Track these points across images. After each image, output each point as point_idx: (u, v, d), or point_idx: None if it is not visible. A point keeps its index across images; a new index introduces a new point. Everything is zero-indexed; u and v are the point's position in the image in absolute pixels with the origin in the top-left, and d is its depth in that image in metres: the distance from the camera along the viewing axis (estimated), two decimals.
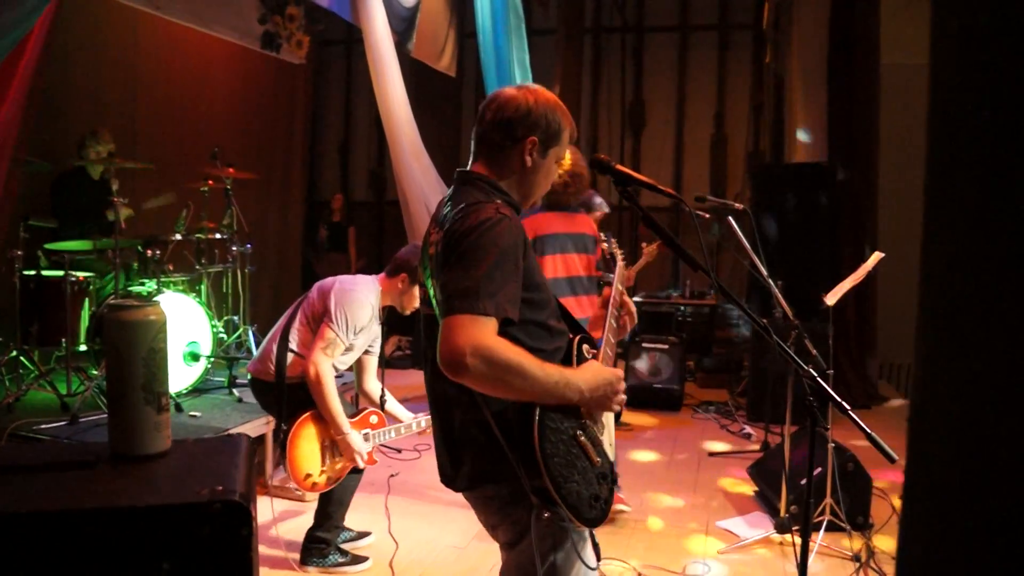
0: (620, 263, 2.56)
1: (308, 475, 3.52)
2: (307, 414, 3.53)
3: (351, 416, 3.64)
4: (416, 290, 3.72)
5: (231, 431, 4.28)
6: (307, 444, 3.54)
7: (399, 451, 5.41)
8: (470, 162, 2.02)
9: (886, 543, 4.02)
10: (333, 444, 3.58)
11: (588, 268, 4.09)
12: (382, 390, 3.90)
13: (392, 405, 3.91)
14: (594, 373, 1.89)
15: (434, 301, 1.93)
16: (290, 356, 3.61)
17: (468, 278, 1.72)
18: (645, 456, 5.64)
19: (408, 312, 3.82)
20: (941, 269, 0.76)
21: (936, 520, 0.82)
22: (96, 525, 1.01)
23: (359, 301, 3.60)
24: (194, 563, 1.03)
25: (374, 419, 3.75)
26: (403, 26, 7.16)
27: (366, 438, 3.64)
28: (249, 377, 3.79)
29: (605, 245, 2.85)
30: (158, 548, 1.02)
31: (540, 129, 1.94)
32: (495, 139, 1.96)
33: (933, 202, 0.78)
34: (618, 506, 4.32)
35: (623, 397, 1.95)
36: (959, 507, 0.78)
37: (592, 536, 2.00)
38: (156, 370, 1.23)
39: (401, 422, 3.81)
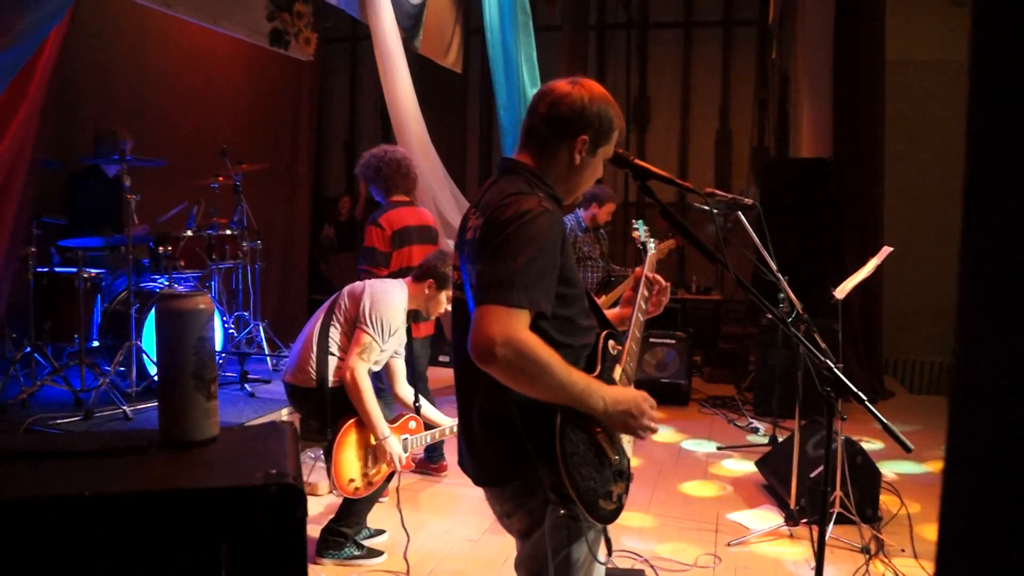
0: (651, 251, 2.57)
1: (351, 480, 3.54)
2: (352, 420, 3.53)
3: (390, 422, 3.65)
4: (443, 296, 3.70)
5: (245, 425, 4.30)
6: (351, 450, 3.55)
7: None
8: (517, 150, 2.00)
9: (894, 536, 4.06)
10: (375, 449, 3.59)
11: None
12: (416, 395, 3.89)
13: (427, 409, 3.89)
14: (620, 389, 1.90)
15: (466, 285, 1.92)
16: (333, 361, 3.59)
17: (505, 268, 1.72)
18: (653, 451, 5.67)
19: (433, 317, 3.81)
20: (984, 253, 0.78)
21: (978, 501, 0.84)
22: (158, 507, 1.05)
23: (393, 304, 3.60)
24: (251, 544, 1.06)
25: (412, 424, 3.76)
26: (410, 23, 7.18)
27: (404, 443, 3.64)
28: (288, 387, 3.73)
29: (637, 233, 2.83)
30: (217, 530, 1.06)
31: (592, 128, 1.93)
32: (545, 134, 1.94)
33: (975, 185, 0.80)
34: None
35: (653, 425, 1.90)
36: (1003, 488, 0.81)
37: (605, 530, 2.00)
38: (206, 358, 1.26)
39: (438, 426, 3.81)
